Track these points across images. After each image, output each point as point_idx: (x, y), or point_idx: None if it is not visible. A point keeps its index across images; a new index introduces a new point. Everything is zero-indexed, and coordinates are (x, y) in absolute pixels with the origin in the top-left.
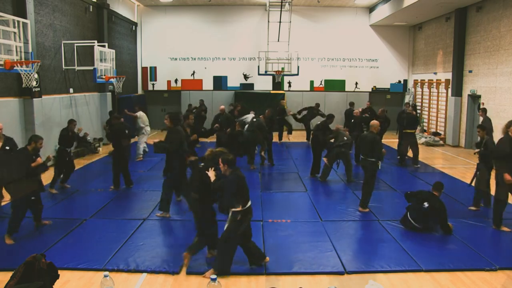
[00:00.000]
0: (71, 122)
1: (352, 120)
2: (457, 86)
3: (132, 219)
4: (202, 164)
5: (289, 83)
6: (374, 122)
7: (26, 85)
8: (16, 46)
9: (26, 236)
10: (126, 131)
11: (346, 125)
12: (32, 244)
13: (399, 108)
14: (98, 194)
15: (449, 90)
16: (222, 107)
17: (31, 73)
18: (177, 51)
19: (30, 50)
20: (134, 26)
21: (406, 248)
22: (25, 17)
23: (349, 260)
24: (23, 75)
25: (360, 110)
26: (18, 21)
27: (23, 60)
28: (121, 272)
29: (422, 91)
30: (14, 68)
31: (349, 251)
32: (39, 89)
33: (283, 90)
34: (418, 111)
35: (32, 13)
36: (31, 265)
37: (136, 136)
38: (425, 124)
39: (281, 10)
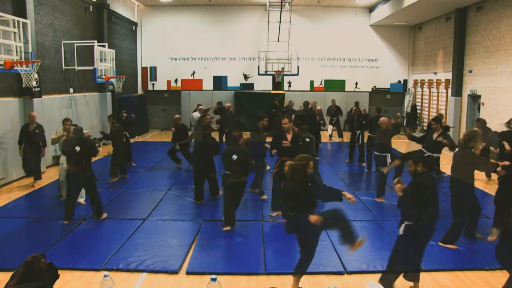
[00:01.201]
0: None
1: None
2: (457, 86)
3: (132, 219)
4: None
5: (289, 83)
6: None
7: (26, 85)
8: (16, 46)
9: (26, 236)
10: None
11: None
12: (32, 244)
13: (399, 108)
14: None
15: (449, 90)
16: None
17: (31, 73)
18: (177, 51)
19: (30, 50)
20: (134, 26)
21: None
22: (25, 17)
23: (349, 260)
24: (23, 75)
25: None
26: (18, 21)
27: (23, 60)
28: (121, 272)
29: (422, 91)
30: (14, 68)
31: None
32: (39, 89)
33: (283, 90)
34: (418, 111)
35: (32, 13)
36: (31, 265)
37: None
38: (425, 124)
39: (281, 10)
